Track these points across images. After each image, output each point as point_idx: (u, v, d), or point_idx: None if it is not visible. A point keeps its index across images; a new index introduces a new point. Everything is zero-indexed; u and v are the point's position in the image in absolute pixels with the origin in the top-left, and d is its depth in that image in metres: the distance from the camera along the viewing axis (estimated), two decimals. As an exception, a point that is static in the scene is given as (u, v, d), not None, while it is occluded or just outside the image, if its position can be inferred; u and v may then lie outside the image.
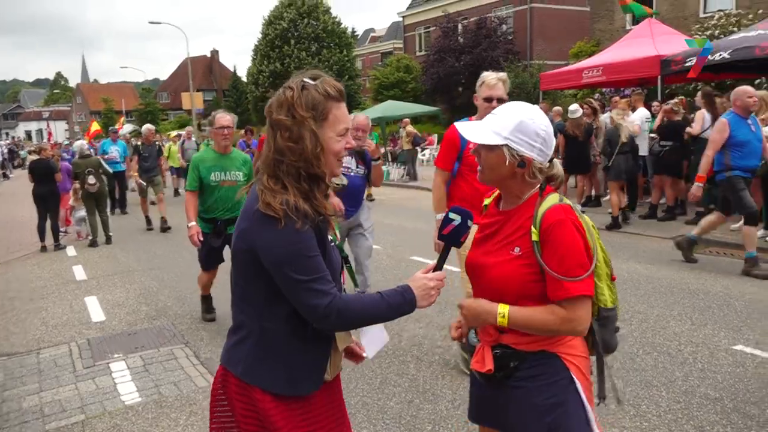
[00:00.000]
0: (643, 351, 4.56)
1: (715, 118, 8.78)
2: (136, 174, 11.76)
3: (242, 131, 16.53)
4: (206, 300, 5.90)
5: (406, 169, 18.53)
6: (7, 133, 75.54)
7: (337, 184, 4.72)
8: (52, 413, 4.08)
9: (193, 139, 16.13)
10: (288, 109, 1.70)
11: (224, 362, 1.85)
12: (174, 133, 23.80)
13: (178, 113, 58.24)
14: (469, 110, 26.01)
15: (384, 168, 5.67)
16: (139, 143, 12.49)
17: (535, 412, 1.87)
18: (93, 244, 10.26)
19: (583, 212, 1.95)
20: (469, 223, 1.93)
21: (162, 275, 7.90)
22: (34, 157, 11.10)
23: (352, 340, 1.99)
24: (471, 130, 1.94)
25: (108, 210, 11.27)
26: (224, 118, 5.33)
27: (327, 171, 1.75)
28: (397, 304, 1.74)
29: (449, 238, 1.93)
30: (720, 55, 9.10)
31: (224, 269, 5.45)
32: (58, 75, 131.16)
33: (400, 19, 42.89)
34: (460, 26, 32.80)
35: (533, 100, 13.21)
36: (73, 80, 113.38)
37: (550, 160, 1.92)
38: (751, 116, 6.45)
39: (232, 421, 1.82)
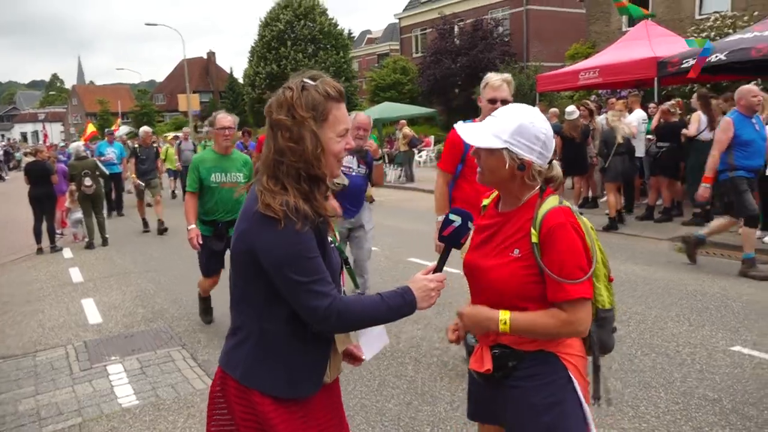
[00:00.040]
0: (641, 352, 4.56)
1: (710, 120, 8.83)
2: (134, 176, 11.71)
3: (239, 133, 16.50)
4: (205, 301, 5.77)
5: (403, 171, 18.53)
6: (2, 135, 75.17)
7: (338, 184, 4.70)
8: (49, 416, 4.06)
9: (190, 140, 16.08)
10: (288, 110, 1.69)
11: (223, 365, 1.84)
12: (171, 135, 23.74)
13: (174, 115, 58.19)
14: (465, 112, 25.98)
15: (382, 169, 5.68)
16: (136, 145, 12.45)
17: (533, 411, 1.87)
18: (89, 246, 10.23)
19: (581, 214, 1.96)
20: (470, 224, 1.93)
21: (159, 277, 7.88)
22: (30, 158, 11.03)
23: (351, 342, 1.98)
24: (470, 133, 1.94)
25: (105, 212, 11.23)
26: (226, 118, 5.26)
27: (327, 172, 1.74)
28: (398, 306, 1.74)
29: (449, 239, 1.93)
30: (716, 56, 9.11)
31: (223, 272, 5.46)
32: (54, 77, 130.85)
33: (397, 20, 42.96)
34: (456, 28, 32.87)
35: (530, 102, 13.21)
36: (69, 82, 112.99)
37: (549, 162, 1.92)
38: (755, 115, 6.41)
39: (230, 424, 1.81)
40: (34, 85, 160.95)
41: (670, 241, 8.29)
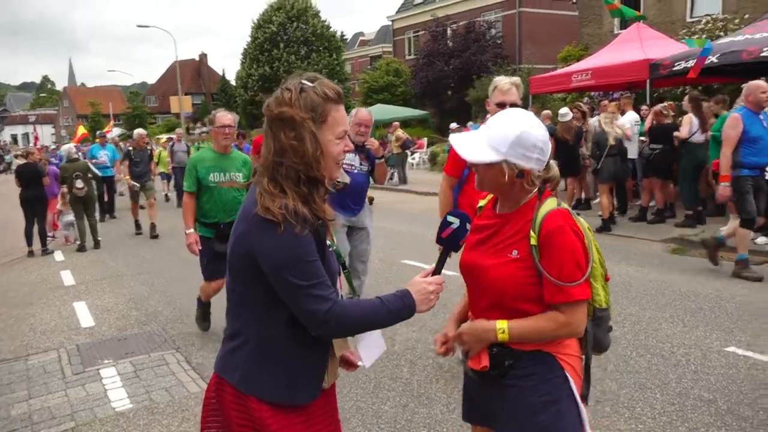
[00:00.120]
0: (636, 353, 4.57)
1: (702, 122, 8.87)
2: (127, 177, 11.60)
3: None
4: (204, 307, 5.49)
5: (396, 173, 18.52)
6: (-8, 137, 74.84)
7: (339, 182, 4.66)
8: (42, 421, 4.02)
9: (184, 142, 16.01)
10: (289, 107, 1.67)
11: (218, 370, 1.81)
12: (164, 138, 23.61)
13: (166, 117, 57.97)
14: (458, 114, 25.95)
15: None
16: (130, 148, 12.35)
17: (530, 410, 1.87)
18: (81, 248, 10.17)
19: (578, 215, 1.96)
20: (468, 226, 1.92)
21: (152, 280, 7.83)
22: (21, 161, 10.96)
23: (349, 347, 1.97)
24: (467, 147, 1.90)
25: (97, 215, 11.16)
26: (226, 116, 5.11)
27: (326, 174, 1.72)
28: (397, 309, 1.72)
29: (448, 241, 1.92)
30: (708, 60, 9.16)
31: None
32: (45, 78, 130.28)
33: (390, 23, 42.97)
34: (449, 30, 32.89)
35: (523, 104, 13.25)
36: (60, 84, 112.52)
37: (546, 163, 1.92)
38: (762, 112, 6.30)
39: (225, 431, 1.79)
40: (24, 87, 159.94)
41: (663, 243, 8.32)
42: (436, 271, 1.87)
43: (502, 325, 1.85)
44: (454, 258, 2.05)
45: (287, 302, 1.66)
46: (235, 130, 5.22)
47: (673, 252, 7.90)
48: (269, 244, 1.62)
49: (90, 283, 7.88)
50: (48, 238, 10.43)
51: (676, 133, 8.97)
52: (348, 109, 1.77)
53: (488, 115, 3.72)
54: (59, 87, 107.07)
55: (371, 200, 6.24)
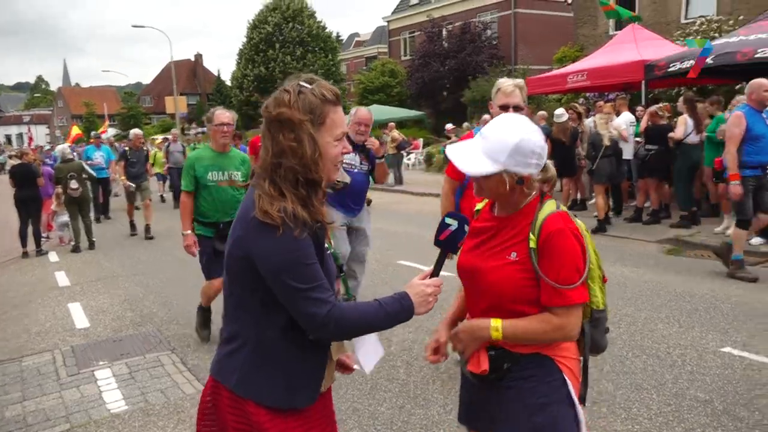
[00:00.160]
0: (632, 354, 4.57)
1: (697, 123, 8.90)
2: (123, 178, 11.54)
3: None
4: (204, 313, 5.32)
5: (392, 174, 18.51)
6: (-14, 138, 74.52)
7: (339, 182, 4.63)
8: (36, 422, 4.00)
9: (179, 142, 15.95)
10: (287, 109, 1.66)
11: (215, 373, 1.79)
12: (159, 139, 23.54)
13: (161, 117, 57.89)
14: (454, 114, 25.92)
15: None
16: (126, 148, 12.28)
17: (527, 411, 1.88)
18: (76, 249, 10.13)
19: (574, 216, 1.96)
20: (466, 228, 1.92)
21: (147, 281, 7.80)
22: (16, 161, 10.92)
23: (346, 351, 1.96)
24: (465, 160, 1.87)
25: (92, 216, 11.12)
26: (224, 114, 5.01)
27: (324, 176, 1.71)
28: (395, 312, 1.72)
29: (446, 243, 1.92)
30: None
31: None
32: (39, 79, 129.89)
33: (385, 23, 43.00)
34: (444, 31, 32.96)
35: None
36: (55, 84, 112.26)
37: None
38: (765, 110, 6.25)
39: None
40: (18, 87, 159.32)
41: (658, 243, 8.35)
42: (434, 273, 1.86)
43: (496, 323, 1.86)
44: (452, 259, 2.05)
45: (286, 305, 1.65)
46: (233, 129, 5.11)
47: (668, 253, 7.92)
48: (268, 247, 1.61)
49: (85, 284, 7.85)
50: (42, 239, 10.39)
51: (671, 134, 9.00)
52: (345, 110, 1.76)
53: (486, 116, 3.72)
54: (54, 87, 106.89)
55: (369, 202, 6.21)
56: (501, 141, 1.82)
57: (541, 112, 13.35)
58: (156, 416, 4.02)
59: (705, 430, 3.45)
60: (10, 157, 22.56)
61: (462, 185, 3.94)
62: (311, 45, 39.45)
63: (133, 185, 11.40)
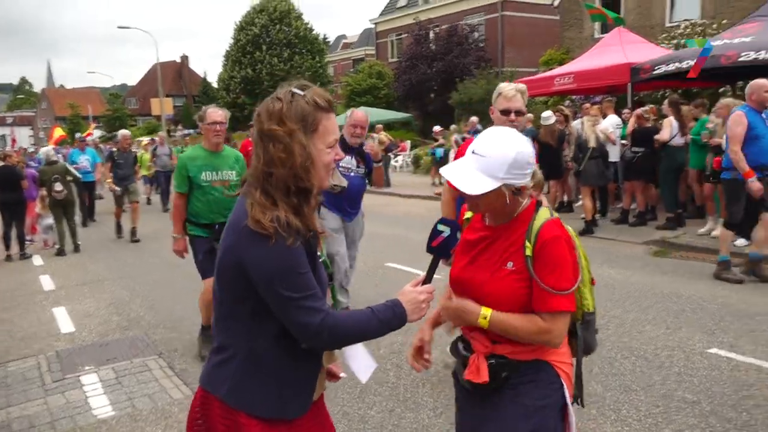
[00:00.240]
0: (621, 355, 4.60)
1: (681, 126, 8.98)
2: (109, 181, 11.40)
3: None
4: (206, 331, 4.97)
5: (380, 176, 18.52)
6: (-32, 139, 73.49)
7: (336, 186, 4.59)
8: (21, 429, 3.93)
9: (167, 145, 15.80)
10: (278, 121, 1.64)
11: (204, 384, 1.76)
12: (146, 140, 23.33)
13: (147, 119, 57.47)
14: (441, 116, 25.86)
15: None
16: (114, 149, 12.10)
17: (525, 412, 1.90)
18: (60, 252, 10.02)
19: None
20: (458, 234, 1.93)
21: (133, 284, 7.72)
22: (-1, 163, 10.76)
23: (336, 359, 1.95)
24: (464, 181, 1.86)
25: (77, 219, 10.99)
26: (216, 113, 4.87)
27: (315, 183, 1.69)
28: (387, 319, 1.71)
29: (438, 250, 1.92)
30: (687, 63, 9.28)
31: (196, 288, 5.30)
32: (23, 80, 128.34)
33: (372, 25, 42.99)
34: (431, 33, 33.01)
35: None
36: (38, 85, 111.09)
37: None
38: (765, 111, 6.21)
39: None
40: (1, 88, 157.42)
41: (645, 245, 8.41)
42: (427, 280, 1.86)
43: (486, 312, 1.88)
44: (447, 266, 2.05)
45: (278, 315, 1.63)
46: (226, 127, 4.96)
47: (654, 254, 7.98)
48: (260, 256, 1.59)
49: (70, 288, 7.76)
50: (27, 242, 10.26)
51: (657, 136, 9.07)
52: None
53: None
54: (37, 88, 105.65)
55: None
56: (498, 157, 1.84)
57: (528, 115, 13.41)
58: (143, 422, 3.97)
59: (693, 431, 3.47)
60: (-7, 159, 22.24)
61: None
62: (298, 47, 39.37)
63: (119, 189, 11.25)
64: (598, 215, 10.01)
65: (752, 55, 8.46)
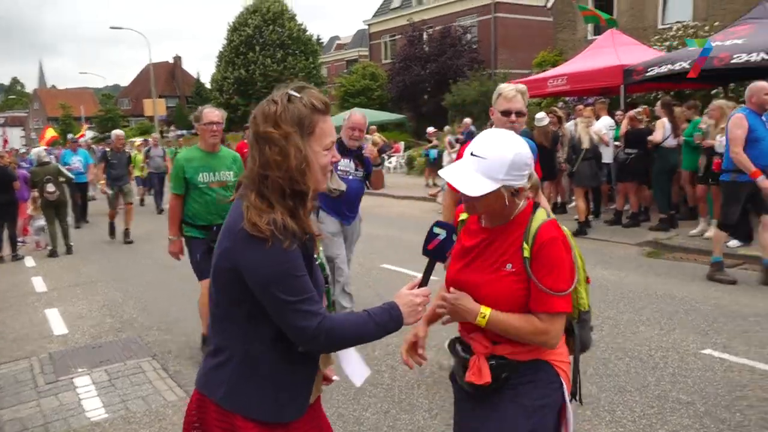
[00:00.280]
0: (615, 356, 4.61)
1: (674, 127, 9.02)
2: (102, 183, 11.30)
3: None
4: (208, 341, 5.05)
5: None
6: (-41, 140, 72.97)
7: (335, 190, 4.56)
8: (13, 432, 3.91)
9: (160, 146, 15.73)
10: (274, 124, 1.63)
11: (200, 387, 1.75)
12: (139, 141, 23.23)
13: (139, 120, 57.23)
14: (435, 118, 25.87)
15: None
16: (107, 150, 12.00)
17: (524, 412, 1.91)
18: (53, 254, 9.96)
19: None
20: (454, 237, 1.94)
21: (126, 286, 7.69)
22: (-10, 164, 10.68)
23: (333, 362, 1.95)
24: (464, 182, 1.86)
25: (70, 220, 10.92)
26: (213, 113, 4.81)
27: (312, 186, 1.68)
28: (384, 322, 1.71)
29: (434, 252, 1.92)
30: (679, 65, 9.34)
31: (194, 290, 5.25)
32: (14, 80, 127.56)
33: (366, 27, 42.97)
34: (425, 35, 33.04)
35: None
36: (30, 86, 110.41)
37: None
38: (765, 114, 6.18)
39: None
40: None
41: (638, 246, 8.44)
42: (423, 282, 1.85)
43: (485, 311, 1.89)
44: (444, 268, 2.05)
45: (275, 318, 1.62)
46: (222, 128, 4.90)
47: (648, 255, 8.01)
48: (256, 260, 1.58)
49: (62, 290, 7.71)
50: (18, 244, 10.19)
51: (650, 138, 9.11)
52: None
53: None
54: (29, 89, 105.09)
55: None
56: (497, 159, 1.84)
57: (522, 116, 13.43)
58: (137, 424, 3.95)
59: (688, 431, 3.48)
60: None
61: None
62: (292, 48, 39.32)
63: (111, 192, 11.14)
64: (592, 216, 10.04)
65: (744, 57, 8.52)
